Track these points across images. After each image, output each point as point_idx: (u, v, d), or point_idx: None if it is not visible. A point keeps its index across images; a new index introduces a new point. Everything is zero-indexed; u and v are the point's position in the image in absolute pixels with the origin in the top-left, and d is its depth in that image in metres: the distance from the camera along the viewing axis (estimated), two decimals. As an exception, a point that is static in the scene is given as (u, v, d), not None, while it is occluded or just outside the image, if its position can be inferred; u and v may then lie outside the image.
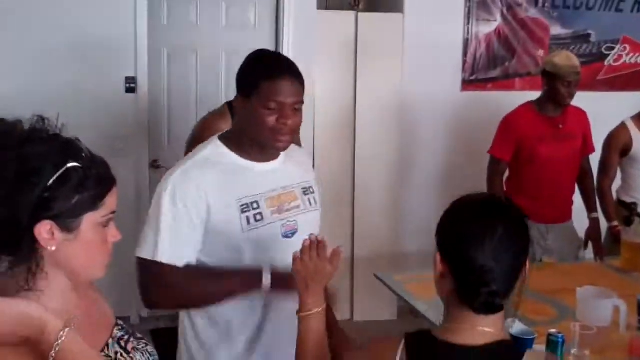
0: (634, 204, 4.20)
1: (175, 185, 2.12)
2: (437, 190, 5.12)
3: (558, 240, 3.99)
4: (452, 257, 1.59)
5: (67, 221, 1.37)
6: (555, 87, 3.87)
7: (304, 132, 4.79)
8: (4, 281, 1.38)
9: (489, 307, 1.54)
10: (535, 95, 4.15)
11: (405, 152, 5.12)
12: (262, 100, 2.10)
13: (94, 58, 4.58)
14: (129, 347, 1.56)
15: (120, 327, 1.60)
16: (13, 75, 4.44)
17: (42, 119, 1.40)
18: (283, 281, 2.12)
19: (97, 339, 1.50)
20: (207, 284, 2.16)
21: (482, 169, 4.37)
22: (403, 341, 1.61)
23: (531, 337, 2.63)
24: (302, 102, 2.17)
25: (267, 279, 2.14)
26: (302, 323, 1.96)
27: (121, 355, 1.53)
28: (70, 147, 1.39)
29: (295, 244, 2.22)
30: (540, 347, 2.66)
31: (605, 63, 5.49)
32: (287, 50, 4.85)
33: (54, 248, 1.37)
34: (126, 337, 1.57)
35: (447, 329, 1.61)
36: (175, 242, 2.12)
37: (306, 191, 2.36)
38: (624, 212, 4.22)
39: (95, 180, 1.39)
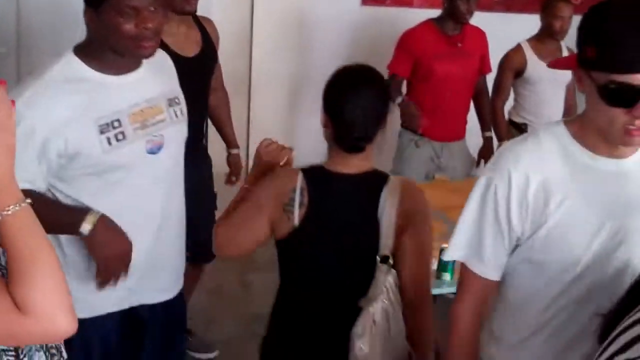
0: (524, 124, 4.31)
1: (23, 112, 1.90)
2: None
3: (451, 158, 4.04)
4: (330, 111, 2.05)
5: None
6: (455, 4, 3.84)
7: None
8: None
9: (355, 148, 2.04)
10: (433, 13, 4.11)
11: (303, 67, 5.02)
12: (115, 8, 1.97)
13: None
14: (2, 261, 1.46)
15: None
16: None
17: None
18: (110, 234, 2.06)
19: None
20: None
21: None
22: (301, 172, 2.08)
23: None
24: (159, 1, 2.04)
25: (85, 228, 2.02)
26: None
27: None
28: None
29: (162, 160, 2.18)
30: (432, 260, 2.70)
31: (504, -16, 5.49)
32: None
33: None
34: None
35: (331, 163, 2.09)
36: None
37: (171, 102, 2.25)
38: (515, 132, 4.31)
39: None
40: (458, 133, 4.09)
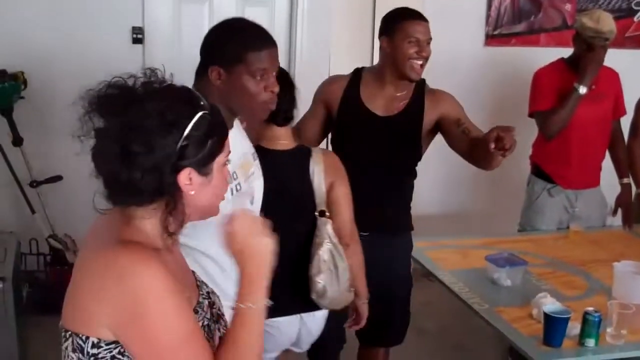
0: (665, 169, 4.01)
1: None
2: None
3: (586, 207, 3.79)
4: None
5: (203, 166, 1.46)
6: (596, 51, 3.59)
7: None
8: (157, 227, 1.48)
9: (286, 119, 2.53)
10: (560, 51, 3.91)
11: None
12: (247, 70, 2.03)
13: (98, 7, 4.35)
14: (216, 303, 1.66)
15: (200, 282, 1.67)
16: (11, 25, 4.24)
17: (152, 70, 1.49)
18: None
19: (190, 279, 1.61)
20: None
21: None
22: None
23: (566, 316, 2.48)
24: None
25: None
26: None
27: (211, 295, 1.65)
28: (191, 96, 1.48)
29: (254, 212, 2.15)
30: (574, 324, 2.51)
31: (635, 19, 5.23)
32: (303, 9, 4.63)
33: (193, 192, 1.47)
34: (211, 293, 1.67)
35: (266, 143, 2.51)
36: None
37: (254, 155, 2.29)
38: (655, 177, 4.03)
39: (220, 124, 1.50)
40: (593, 180, 3.84)
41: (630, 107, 3.99)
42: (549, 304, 2.58)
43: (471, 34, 4.94)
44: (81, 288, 1.45)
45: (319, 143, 3.10)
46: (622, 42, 5.10)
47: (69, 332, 1.46)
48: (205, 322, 1.56)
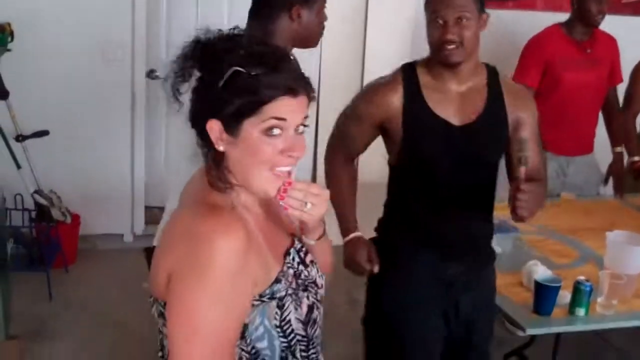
0: (658, 138, 3.99)
1: None
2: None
3: (578, 174, 3.77)
4: None
5: (230, 124, 1.41)
6: (585, 5, 3.58)
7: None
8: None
9: None
10: (558, 16, 3.85)
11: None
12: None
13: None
14: (307, 259, 1.60)
15: (299, 240, 1.63)
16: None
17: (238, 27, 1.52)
18: None
19: (280, 244, 1.56)
20: None
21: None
22: None
23: (557, 284, 2.47)
24: None
25: None
26: None
27: (300, 265, 1.57)
28: (253, 53, 1.41)
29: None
30: (565, 292, 2.50)
31: (633, -15, 5.16)
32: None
33: (221, 148, 1.43)
34: (304, 249, 1.61)
35: None
36: None
37: None
38: (647, 146, 4.01)
39: (263, 86, 1.38)
40: (586, 147, 3.82)
41: (626, 76, 3.95)
42: (540, 272, 2.57)
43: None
44: (159, 249, 1.47)
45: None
46: (620, 8, 5.03)
47: (152, 298, 1.48)
48: (290, 292, 1.51)
